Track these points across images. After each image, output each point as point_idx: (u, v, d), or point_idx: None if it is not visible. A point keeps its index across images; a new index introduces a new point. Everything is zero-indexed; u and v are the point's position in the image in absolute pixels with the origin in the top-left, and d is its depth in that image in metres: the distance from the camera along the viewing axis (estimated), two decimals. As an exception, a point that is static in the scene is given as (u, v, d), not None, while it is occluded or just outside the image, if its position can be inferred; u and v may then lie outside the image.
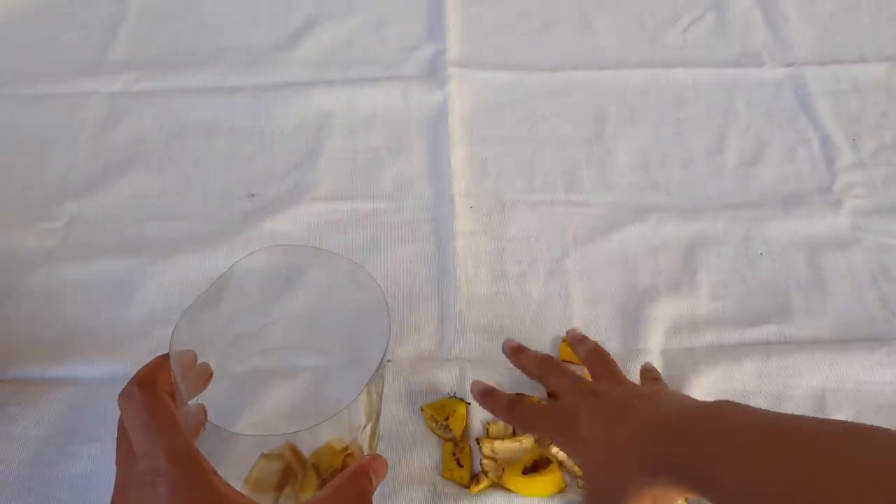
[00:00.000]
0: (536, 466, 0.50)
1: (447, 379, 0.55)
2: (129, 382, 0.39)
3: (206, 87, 0.73)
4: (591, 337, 0.56)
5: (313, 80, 0.74)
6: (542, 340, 0.57)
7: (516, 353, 0.54)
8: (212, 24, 0.79)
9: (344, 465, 0.43)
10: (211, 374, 0.44)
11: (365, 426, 0.44)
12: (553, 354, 0.56)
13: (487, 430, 0.53)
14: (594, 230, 0.64)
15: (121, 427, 0.40)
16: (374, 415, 0.46)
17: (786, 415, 0.41)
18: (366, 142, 0.70)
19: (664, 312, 0.59)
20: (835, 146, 0.70)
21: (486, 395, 0.51)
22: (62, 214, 0.64)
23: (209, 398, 0.43)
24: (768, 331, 0.58)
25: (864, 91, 0.74)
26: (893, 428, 0.39)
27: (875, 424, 0.39)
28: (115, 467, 0.51)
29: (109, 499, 0.49)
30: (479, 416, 0.53)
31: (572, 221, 0.64)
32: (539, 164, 0.68)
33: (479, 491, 0.50)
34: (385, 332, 0.42)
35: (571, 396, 0.48)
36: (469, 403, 0.53)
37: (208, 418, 0.40)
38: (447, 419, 0.52)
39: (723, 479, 0.39)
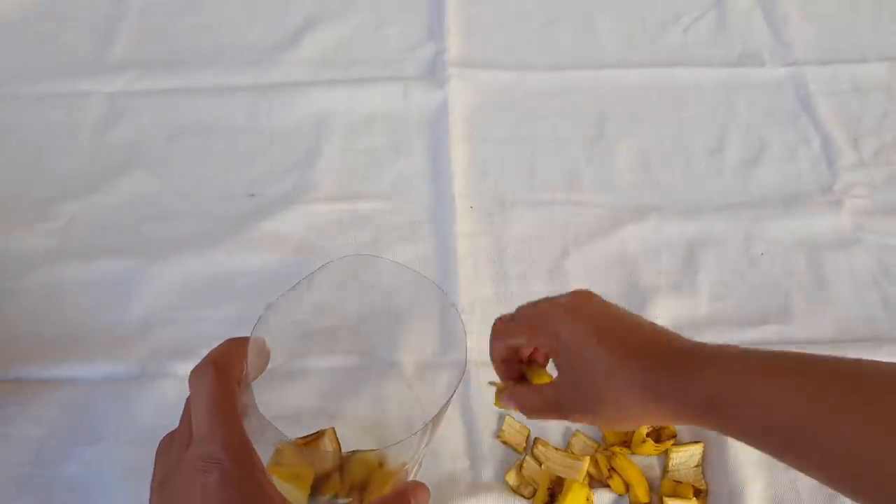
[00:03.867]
0: (553, 496, 0.49)
1: (451, 382, 0.55)
2: (203, 360, 0.39)
3: (205, 87, 0.73)
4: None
5: (313, 79, 0.74)
6: (542, 341, 0.57)
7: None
8: (211, 24, 0.79)
9: (370, 484, 0.42)
10: (268, 359, 0.44)
11: (422, 452, 0.43)
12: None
13: (502, 430, 0.53)
14: (595, 230, 0.63)
15: (188, 404, 0.40)
16: (428, 443, 0.45)
17: (797, 353, 0.40)
18: (366, 142, 0.69)
19: (665, 312, 0.59)
20: (836, 146, 0.70)
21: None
22: (61, 214, 0.64)
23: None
24: (769, 331, 0.58)
25: (864, 91, 0.74)
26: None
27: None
28: (114, 466, 0.51)
29: (108, 500, 0.49)
30: (484, 422, 0.53)
31: (573, 221, 0.64)
32: (539, 164, 0.68)
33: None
34: (462, 357, 0.43)
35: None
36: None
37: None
38: None
39: (742, 412, 0.38)
